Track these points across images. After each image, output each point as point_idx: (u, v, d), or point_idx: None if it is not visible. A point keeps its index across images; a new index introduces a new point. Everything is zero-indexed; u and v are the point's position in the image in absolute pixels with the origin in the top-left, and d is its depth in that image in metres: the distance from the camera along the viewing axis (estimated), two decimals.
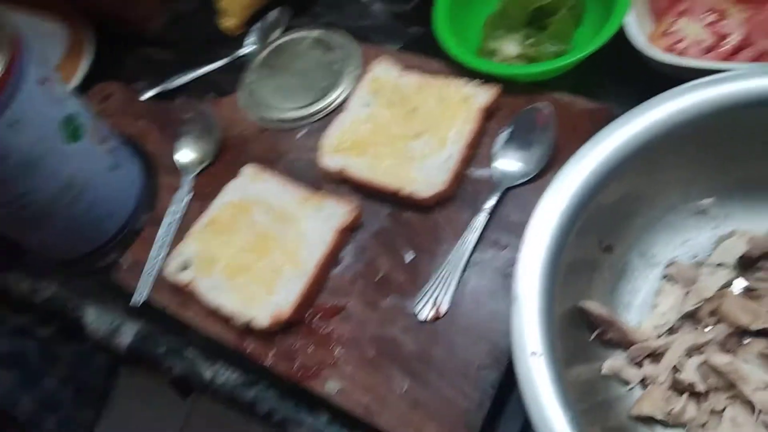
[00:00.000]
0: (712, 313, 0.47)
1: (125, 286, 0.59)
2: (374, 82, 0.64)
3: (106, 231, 0.64)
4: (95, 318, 0.61)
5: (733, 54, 0.57)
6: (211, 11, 0.83)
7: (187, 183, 0.63)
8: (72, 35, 0.82)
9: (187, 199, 0.63)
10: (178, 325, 0.57)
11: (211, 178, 0.64)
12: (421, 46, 0.69)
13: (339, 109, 0.64)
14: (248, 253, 0.55)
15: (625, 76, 0.61)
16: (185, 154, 0.66)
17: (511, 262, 0.51)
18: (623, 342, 0.46)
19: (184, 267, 0.56)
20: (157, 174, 0.67)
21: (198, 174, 0.65)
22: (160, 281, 0.57)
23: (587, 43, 0.59)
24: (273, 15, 0.79)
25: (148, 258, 0.59)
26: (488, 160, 0.57)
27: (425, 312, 0.50)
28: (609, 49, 0.58)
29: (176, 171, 0.66)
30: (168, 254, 0.59)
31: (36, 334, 1.24)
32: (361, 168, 0.58)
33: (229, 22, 0.81)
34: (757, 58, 0.55)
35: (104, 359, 1.38)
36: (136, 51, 0.85)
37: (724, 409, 0.43)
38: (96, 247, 0.65)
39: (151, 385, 1.36)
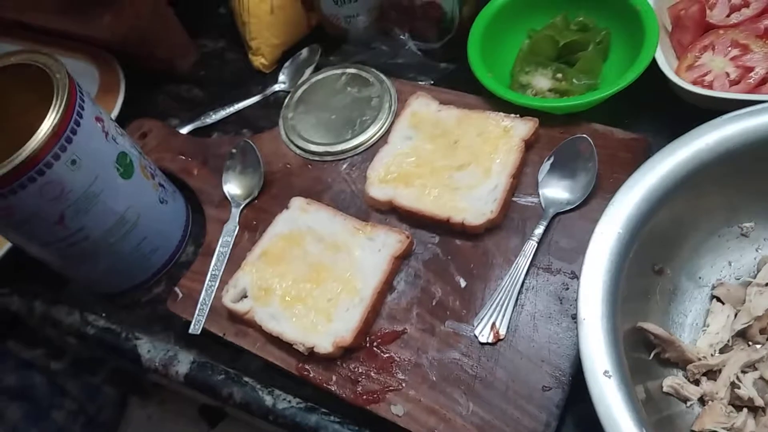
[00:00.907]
0: (762, 331, 0.49)
1: (179, 316, 0.60)
2: (413, 116, 0.66)
3: (153, 265, 0.65)
4: (150, 348, 0.61)
5: (759, 85, 0.60)
6: (241, 49, 0.86)
7: (236, 216, 0.65)
8: (103, 74, 0.83)
9: (236, 232, 0.64)
10: (232, 353, 0.58)
11: (258, 211, 0.65)
12: (452, 82, 0.72)
13: (380, 142, 0.67)
14: (304, 283, 0.56)
15: (654, 107, 0.64)
16: (232, 188, 0.67)
17: (565, 286, 0.53)
18: (681, 360, 0.48)
19: (241, 297, 0.57)
20: (202, 208, 0.68)
21: (244, 207, 0.66)
22: (215, 311, 0.58)
23: (616, 77, 0.63)
24: (304, 53, 0.82)
25: (203, 288, 0.60)
26: (532, 189, 0.59)
27: (485, 335, 0.52)
28: (637, 82, 0.60)
29: (220, 204, 0.67)
30: (220, 285, 0.60)
31: (47, 368, 1.23)
32: (410, 198, 0.60)
33: (260, 60, 0.83)
34: None
35: (114, 392, 1.37)
36: (166, 89, 0.87)
37: None
38: (142, 280, 0.65)
39: (161, 415, 1.36)
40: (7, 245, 0.68)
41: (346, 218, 0.60)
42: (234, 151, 0.69)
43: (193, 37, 0.90)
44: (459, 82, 0.71)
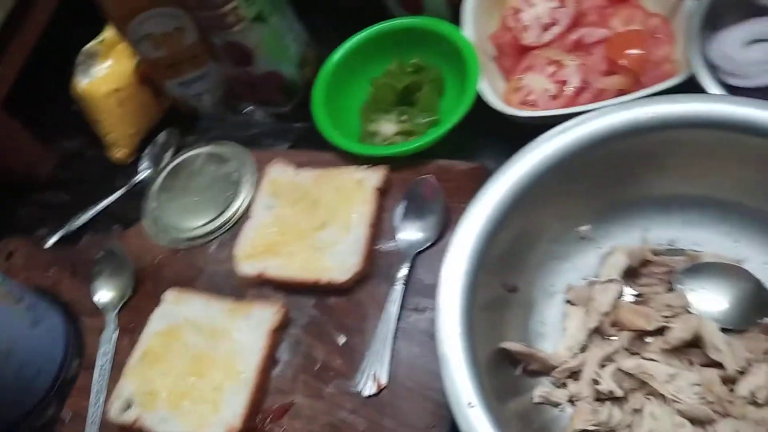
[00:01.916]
0: (613, 324, 0.53)
1: None
2: (272, 184, 0.68)
3: (39, 388, 0.64)
4: None
5: (576, 96, 0.65)
6: (99, 145, 0.85)
7: (111, 322, 0.64)
8: None
9: (114, 338, 0.64)
10: None
11: (134, 312, 0.65)
12: (310, 141, 0.74)
13: (245, 216, 0.68)
14: (187, 378, 0.57)
15: (493, 132, 0.68)
16: (103, 294, 0.67)
17: (434, 323, 0.56)
18: (545, 369, 0.52)
19: (127, 406, 0.57)
20: (78, 320, 0.67)
21: (120, 310, 0.66)
22: (107, 426, 0.58)
23: (453, 111, 0.67)
24: (161, 138, 0.82)
25: (89, 405, 0.59)
26: (392, 234, 0.62)
27: (367, 388, 0.54)
28: (477, 110, 0.65)
29: (96, 312, 0.66)
30: (108, 397, 0.59)
31: None
32: (279, 268, 0.62)
33: (119, 153, 0.84)
34: (596, 96, 0.64)
35: None
36: (31, 199, 0.86)
37: (643, 407, 0.49)
38: (31, 407, 0.64)
39: None
40: None
41: (221, 301, 0.61)
42: (100, 256, 0.68)
43: (49, 140, 0.89)
44: (317, 140, 0.73)
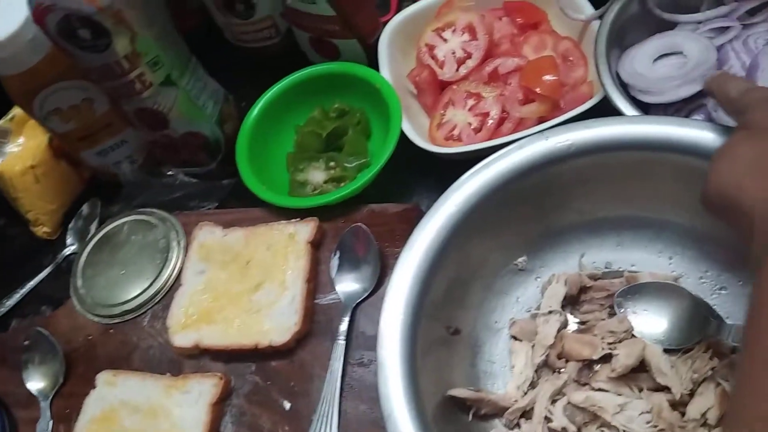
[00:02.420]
0: (560, 355, 0.52)
1: None
2: (201, 248, 0.66)
3: None
4: None
5: (498, 127, 0.65)
6: (22, 223, 0.81)
7: (45, 411, 0.61)
8: None
9: (50, 428, 0.60)
10: None
11: (68, 398, 0.62)
12: (240, 197, 0.72)
13: (176, 284, 0.65)
14: None
15: (424, 171, 0.68)
16: (35, 383, 0.63)
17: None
18: (497, 411, 0.50)
19: None
20: (11, 412, 0.63)
21: (53, 398, 0.62)
22: None
23: (381, 152, 0.66)
24: (85, 210, 0.79)
25: None
26: (330, 287, 0.60)
27: None
28: (408, 149, 0.64)
29: (29, 403, 0.63)
30: None
31: None
32: (215, 336, 0.59)
33: (42, 230, 0.80)
34: (518, 125, 0.64)
35: None
36: None
37: None
38: None
39: None
40: None
41: (156, 379, 0.58)
42: (27, 343, 0.64)
43: None
44: (247, 195, 0.71)
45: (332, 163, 0.71)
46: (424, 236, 0.51)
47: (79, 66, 0.62)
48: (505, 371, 0.54)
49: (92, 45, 0.58)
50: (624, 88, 0.57)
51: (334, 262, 0.60)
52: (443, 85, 0.70)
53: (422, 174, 0.68)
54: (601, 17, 0.61)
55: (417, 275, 0.49)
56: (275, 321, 0.58)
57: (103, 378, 0.60)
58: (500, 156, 0.52)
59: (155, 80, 0.62)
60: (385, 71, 0.70)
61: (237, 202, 0.73)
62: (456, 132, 0.67)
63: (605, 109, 0.57)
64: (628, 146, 0.50)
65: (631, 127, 0.50)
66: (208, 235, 0.66)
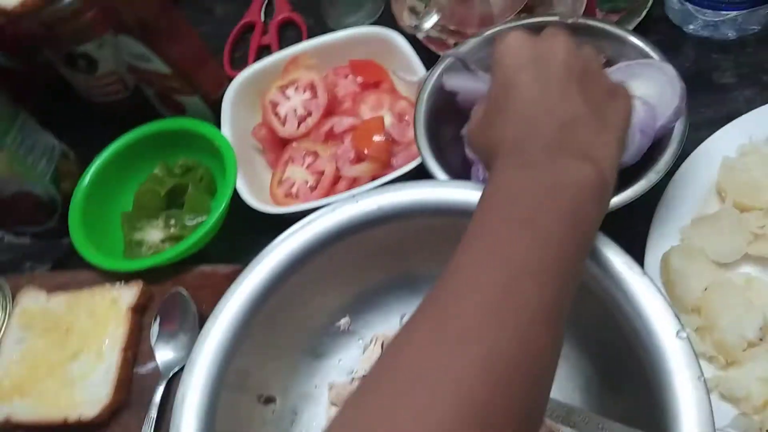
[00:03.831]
0: None
1: None
2: (23, 314, 0.62)
3: None
4: None
5: (333, 185, 0.65)
6: None
7: None
8: None
9: None
10: None
11: None
12: (74, 256, 0.69)
13: None
14: None
15: (266, 228, 0.66)
16: None
17: None
18: None
19: None
20: None
21: None
22: None
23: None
24: None
25: None
26: (151, 355, 0.58)
27: None
28: (247, 208, 0.63)
29: None
30: None
31: None
32: (27, 410, 0.56)
33: None
34: (351, 183, 0.65)
35: None
36: None
37: None
38: None
39: None
40: None
41: None
42: None
43: None
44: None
45: (172, 221, 0.69)
46: (233, 300, 0.49)
47: None
48: None
49: None
50: (440, 151, 0.58)
51: (155, 329, 0.58)
52: (285, 142, 0.70)
53: (260, 233, 0.67)
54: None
55: (221, 343, 0.48)
56: (88, 393, 0.55)
57: None
58: (314, 218, 0.52)
59: None
60: (226, 128, 0.70)
61: (80, 261, 0.70)
62: (294, 189, 0.67)
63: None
64: (429, 211, 0.50)
65: (433, 191, 0.51)
66: (32, 300, 0.63)
